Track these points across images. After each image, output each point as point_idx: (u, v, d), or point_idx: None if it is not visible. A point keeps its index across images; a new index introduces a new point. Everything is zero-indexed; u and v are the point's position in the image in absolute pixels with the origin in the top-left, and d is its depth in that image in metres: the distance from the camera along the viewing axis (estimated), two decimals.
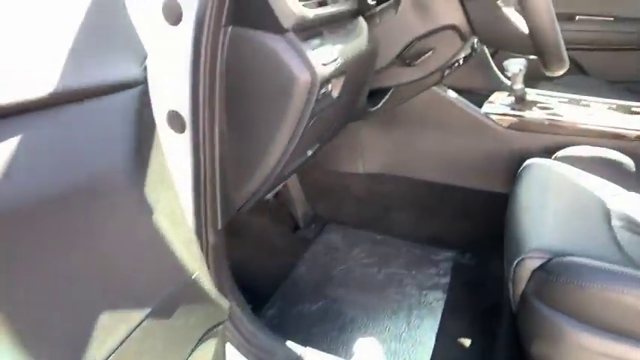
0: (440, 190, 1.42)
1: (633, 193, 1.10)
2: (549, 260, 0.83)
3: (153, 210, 0.42)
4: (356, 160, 1.47)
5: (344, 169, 1.48)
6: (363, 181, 1.48)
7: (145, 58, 0.41)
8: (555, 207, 1.00)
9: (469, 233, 1.39)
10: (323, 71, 0.73)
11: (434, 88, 1.30)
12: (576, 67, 2.01)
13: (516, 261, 0.85)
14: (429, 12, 0.90)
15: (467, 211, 1.40)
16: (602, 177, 1.12)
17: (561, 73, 0.90)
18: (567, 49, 1.98)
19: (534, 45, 0.79)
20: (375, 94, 1.11)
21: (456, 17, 0.90)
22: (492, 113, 1.31)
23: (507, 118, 1.30)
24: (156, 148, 0.47)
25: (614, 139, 1.23)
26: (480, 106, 1.38)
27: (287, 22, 0.69)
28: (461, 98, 1.33)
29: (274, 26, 0.69)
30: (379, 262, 1.32)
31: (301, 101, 0.72)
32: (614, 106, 1.36)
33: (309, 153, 0.95)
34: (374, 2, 0.92)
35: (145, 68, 0.41)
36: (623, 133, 1.23)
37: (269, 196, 1.09)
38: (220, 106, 0.75)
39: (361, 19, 0.90)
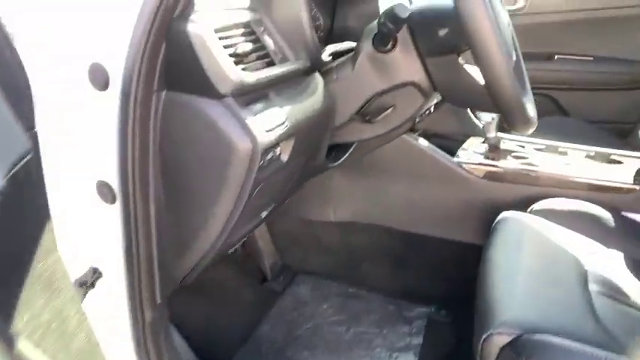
0: (414, 240, 1.35)
1: (612, 250, 1.04)
2: (519, 337, 0.76)
3: (18, 335, 0.35)
4: (326, 207, 1.40)
5: (314, 217, 1.41)
6: (334, 230, 1.41)
7: (13, 165, 0.34)
8: (529, 269, 0.94)
9: (444, 287, 1.32)
10: (266, 138, 0.67)
11: (404, 135, 1.25)
12: (556, 107, 1.98)
13: (484, 336, 0.79)
14: (388, 68, 0.85)
15: (442, 263, 1.33)
16: (579, 232, 1.07)
17: (529, 132, 0.85)
18: (547, 89, 1.98)
19: (494, 103, 0.73)
20: (338, 147, 1.05)
21: (416, 74, 0.85)
22: (465, 162, 1.26)
23: (481, 167, 1.25)
24: (41, 255, 0.40)
25: (592, 190, 1.18)
26: (454, 153, 1.33)
27: (224, 88, 0.63)
28: (432, 146, 1.28)
29: (211, 92, 0.63)
30: (349, 320, 1.25)
31: (241, 171, 0.66)
32: (593, 154, 1.31)
33: (264, 214, 0.88)
34: (330, 58, 0.88)
35: (12, 177, 0.34)
36: (602, 185, 1.18)
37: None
38: (155, 175, 0.69)
39: (317, 74, 0.85)
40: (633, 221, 1.15)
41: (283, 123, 0.71)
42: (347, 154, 1.06)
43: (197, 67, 0.62)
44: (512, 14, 1.96)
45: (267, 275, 1.40)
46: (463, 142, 1.39)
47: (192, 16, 0.62)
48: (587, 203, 1.13)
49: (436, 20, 0.79)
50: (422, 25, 0.82)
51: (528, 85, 0.95)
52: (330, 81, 0.87)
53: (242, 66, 0.67)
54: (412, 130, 1.42)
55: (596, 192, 1.17)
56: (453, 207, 1.29)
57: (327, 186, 1.38)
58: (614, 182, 1.17)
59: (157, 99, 0.64)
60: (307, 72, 0.82)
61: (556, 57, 1.96)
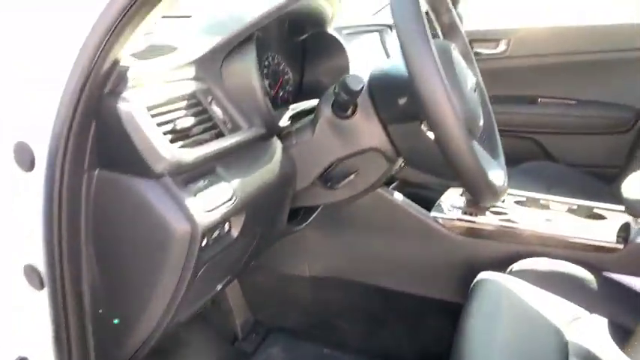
0: (391, 297, 1.29)
1: (595, 316, 0.99)
2: None
3: None
4: (301, 261, 1.34)
5: (288, 271, 1.35)
6: (309, 285, 1.35)
7: None
8: (506, 342, 0.89)
9: (423, 347, 1.26)
10: (207, 219, 0.62)
11: (379, 189, 1.20)
12: (541, 151, 1.95)
13: None
14: (349, 134, 0.81)
15: (420, 322, 1.27)
16: (561, 295, 1.02)
17: (497, 202, 0.81)
18: (531, 132, 1.95)
19: (453, 171, 0.68)
20: (305, 208, 1.01)
21: (379, 140, 0.80)
22: (442, 218, 1.21)
23: (459, 223, 1.20)
24: None
25: (574, 249, 1.13)
26: (433, 203, 1.28)
27: (159, 167, 0.59)
28: (408, 201, 1.23)
29: (146, 171, 0.59)
30: None
31: (180, 255, 0.61)
32: (575, 207, 1.27)
33: (219, 287, 0.83)
34: (289, 122, 0.83)
35: None
36: (584, 243, 1.13)
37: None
38: (88, 257, 0.63)
39: (275, 139, 0.81)
40: (617, 283, 1.10)
41: (231, 198, 0.66)
42: (311, 218, 1.01)
43: (129, 146, 0.57)
44: (494, 58, 1.96)
45: (237, 334, 1.33)
46: (442, 192, 1.35)
47: (126, 93, 0.58)
48: (569, 264, 1.08)
49: (395, 88, 0.75)
50: (381, 93, 0.78)
51: (500, 148, 0.91)
52: (290, 146, 0.83)
53: (181, 142, 0.62)
54: (390, 181, 1.38)
55: (578, 251, 1.12)
56: (430, 264, 1.23)
57: (302, 239, 1.32)
58: (597, 241, 1.12)
59: (88, 178, 0.60)
60: (264, 138, 0.78)
61: (540, 100, 1.94)
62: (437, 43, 0.76)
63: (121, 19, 0.54)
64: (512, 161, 1.85)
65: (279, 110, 0.92)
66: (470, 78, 0.78)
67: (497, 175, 0.77)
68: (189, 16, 0.93)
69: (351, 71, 1.04)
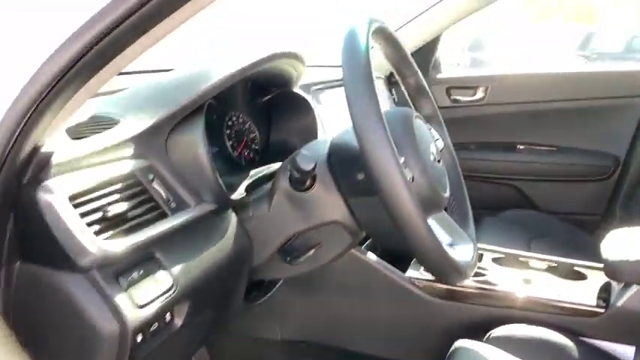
0: None
1: None
2: None
3: None
4: (272, 324, 1.27)
5: (258, 334, 1.28)
6: (281, 350, 1.28)
7: None
8: None
9: None
10: (139, 314, 0.56)
11: (352, 250, 1.15)
12: (522, 197, 1.92)
13: None
14: (308, 207, 0.76)
15: None
16: None
17: (465, 280, 0.76)
18: (511, 179, 1.92)
19: (412, 250, 0.63)
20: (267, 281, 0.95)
21: (340, 213, 0.76)
22: (417, 279, 1.16)
23: (435, 285, 1.14)
24: None
25: (553, 314, 1.08)
26: (410, 259, 1.23)
27: (84, 262, 0.53)
28: (382, 262, 1.18)
29: (71, 266, 0.53)
30: None
31: (109, 356, 0.55)
32: (555, 264, 1.22)
33: None
34: (244, 193, 0.79)
35: None
36: (564, 307, 1.08)
37: None
38: (8, 356, 0.57)
39: (229, 212, 0.76)
40: (597, 350, 1.04)
41: (171, 288, 0.60)
42: (274, 290, 0.95)
43: (51, 239, 0.52)
44: (473, 105, 1.95)
45: None
46: None
47: (49, 181, 0.53)
48: (548, 330, 1.03)
49: (353, 162, 0.71)
50: (340, 165, 0.74)
51: (470, 216, 0.86)
52: (246, 218, 0.78)
53: (111, 232, 0.57)
54: (363, 240, 1.32)
55: (557, 315, 1.07)
56: (406, 328, 1.17)
57: (272, 300, 1.26)
58: (577, 304, 1.07)
59: (7, 272, 0.54)
60: (215, 213, 0.72)
61: (519, 147, 1.92)
62: (396, 112, 0.72)
63: (41, 100, 0.49)
64: (493, 208, 1.83)
65: (240, 175, 0.87)
66: (434, 145, 0.74)
67: (464, 250, 0.72)
68: (169, 70, 0.90)
69: (320, 130, 1.01)
